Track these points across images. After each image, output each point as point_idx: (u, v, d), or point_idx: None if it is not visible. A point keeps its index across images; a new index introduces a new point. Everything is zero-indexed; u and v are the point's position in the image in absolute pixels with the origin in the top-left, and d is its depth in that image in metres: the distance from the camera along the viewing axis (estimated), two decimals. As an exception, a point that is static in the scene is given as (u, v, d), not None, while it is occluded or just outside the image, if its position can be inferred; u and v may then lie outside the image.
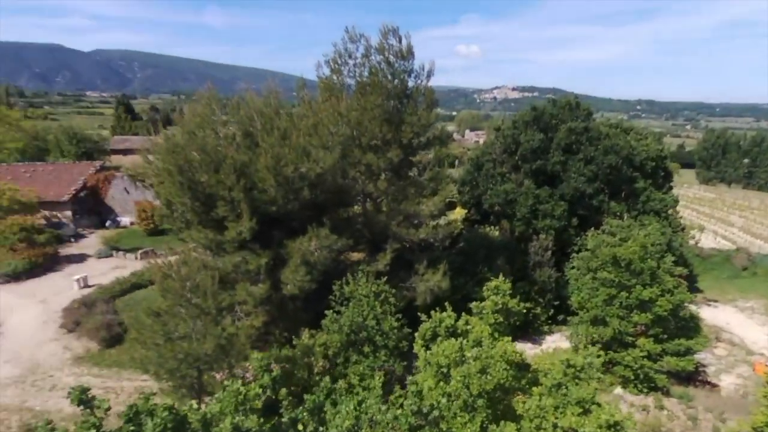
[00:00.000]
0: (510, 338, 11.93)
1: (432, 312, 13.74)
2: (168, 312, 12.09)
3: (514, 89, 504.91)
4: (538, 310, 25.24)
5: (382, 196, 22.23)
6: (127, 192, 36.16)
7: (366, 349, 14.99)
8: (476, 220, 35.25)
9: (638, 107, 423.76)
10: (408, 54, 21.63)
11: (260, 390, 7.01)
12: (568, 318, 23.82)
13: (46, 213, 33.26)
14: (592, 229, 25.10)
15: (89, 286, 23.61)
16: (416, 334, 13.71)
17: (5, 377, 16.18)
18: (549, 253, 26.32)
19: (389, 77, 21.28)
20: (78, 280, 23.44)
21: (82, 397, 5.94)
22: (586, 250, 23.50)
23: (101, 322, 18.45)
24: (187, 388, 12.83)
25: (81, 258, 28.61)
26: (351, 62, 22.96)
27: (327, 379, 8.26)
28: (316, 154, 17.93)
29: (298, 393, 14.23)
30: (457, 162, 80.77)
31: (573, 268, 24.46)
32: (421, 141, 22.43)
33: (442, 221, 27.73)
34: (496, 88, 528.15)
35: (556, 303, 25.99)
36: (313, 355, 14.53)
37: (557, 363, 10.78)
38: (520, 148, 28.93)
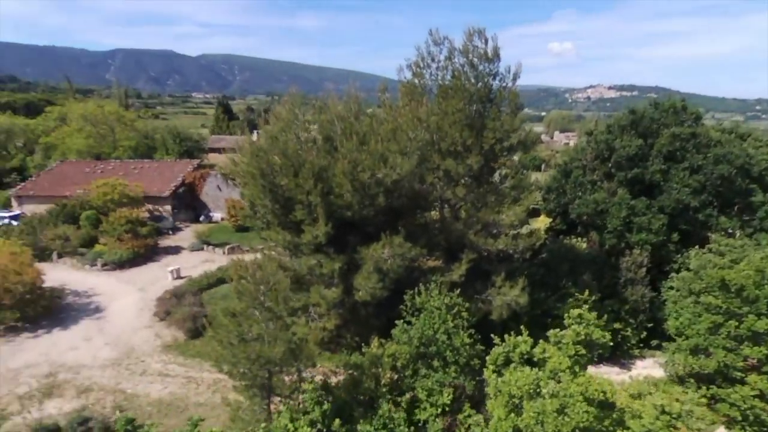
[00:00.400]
0: (590, 375, 10.74)
1: (506, 336, 12.88)
2: (242, 313, 12.46)
3: (610, 88, 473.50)
4: (629, 331, 23.09)
5: (460, 203, 21.56)
6: (220, 189, 38.53)
7: (435, 363, 14.50)
8: (561, 230, 33.25)
9: (758, 107, 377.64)
10: (494, 56, 20.77)
11: (309, 429, 6.85)
12: (664, 344, 21.55)
13: (150, 206, 36.37)
14: (696, 246, 22.51)
15: (181, 278, 25.38)
16: (488, 358, 12.95)
17: (105, 359, 17.76)
18: (643, 270, 24.02)
19: (472, 80, 20.51)
20: (172, 272, 25.30)
21: (128, 428, 6.12)
22: (688, 269, 21.11)
23: (188, 314, 19.68)
24: (258, 388, 13.17)
25: (176, 250, 30.93)
26: (433, 65, 22.55)
27: (385, 406, 7.94)
28: (394, 160, 17.71)
29: (364, 402, 14.13)
30: (543, 165, 77.17)
31: (671, 288, 22.10)
32: (504, 146, 21.48)
33: (524, 230, 26.41)
34: (590, 87, 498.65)
35: (650, 325, 23.62)
36: (381, 365, 14.30)
37: (648, 405, 9.56)
38: (615, 155, 26.74)
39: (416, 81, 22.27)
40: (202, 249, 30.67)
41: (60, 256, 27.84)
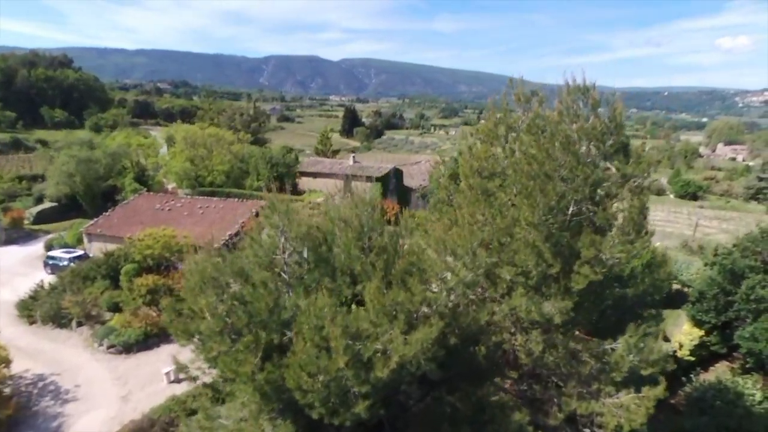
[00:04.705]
0: None
1: None
2: None
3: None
4: None
5: (537, 367, 13.29)
6: (278, 240, 33.96)
7: None
8: (719, 354, 22.83)
9: None
10: (614, 129, 12.52)
11: None
12: None
13: (202, 257, 32.99)
14: None
15: (179, 381, 20.57)
16: None
17: None
18: None
19: (565, 171, 12.24)
20: (167, 373, 20.60)
21: None
22: None
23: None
24: None
25: (206, 323, 26.60)
26: (511, 136, 14.90)
27: None
28: (397, 326, 10.23)
29: None
30: (701, 197, 61.39)
31: None
32: (614, 286, 12.85)
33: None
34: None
35: None
36: None
37: None
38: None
39: (483, 160, 14.69)
40: (231, 327, 25.91)
41: (80, 324, 25.04)
